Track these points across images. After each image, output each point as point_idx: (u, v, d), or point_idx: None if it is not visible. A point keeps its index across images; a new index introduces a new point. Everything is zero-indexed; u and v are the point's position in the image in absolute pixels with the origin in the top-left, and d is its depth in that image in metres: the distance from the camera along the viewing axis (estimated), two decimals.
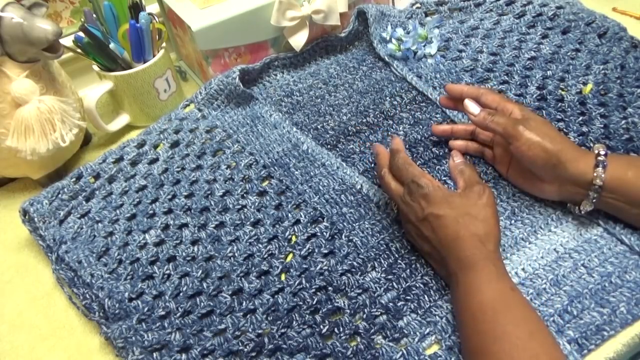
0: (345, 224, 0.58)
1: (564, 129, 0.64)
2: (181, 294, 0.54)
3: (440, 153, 0.65)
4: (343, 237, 0.57)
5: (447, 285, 0.52)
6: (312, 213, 0.60)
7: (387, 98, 0.74)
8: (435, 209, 0.50)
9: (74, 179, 0.65)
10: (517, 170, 0.58)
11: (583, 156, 0.52)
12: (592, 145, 0.62)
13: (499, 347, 0.42)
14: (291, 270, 0.55)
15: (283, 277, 0.55)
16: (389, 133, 0.69)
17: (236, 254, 0.57)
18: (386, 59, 0.79)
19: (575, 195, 0.53)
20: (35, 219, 0.61)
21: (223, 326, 0.51)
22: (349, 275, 0.54)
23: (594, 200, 0.52)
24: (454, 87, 0.61)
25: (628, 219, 0.54)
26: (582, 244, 0.54)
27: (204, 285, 0.55)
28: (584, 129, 0.64)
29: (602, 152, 0.51)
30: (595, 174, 0.50)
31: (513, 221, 0.57)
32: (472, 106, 0.57)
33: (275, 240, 0.58)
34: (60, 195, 0.63)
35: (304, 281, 0.54)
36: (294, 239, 0.58)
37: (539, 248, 0.55)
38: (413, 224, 0.52)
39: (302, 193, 0.62)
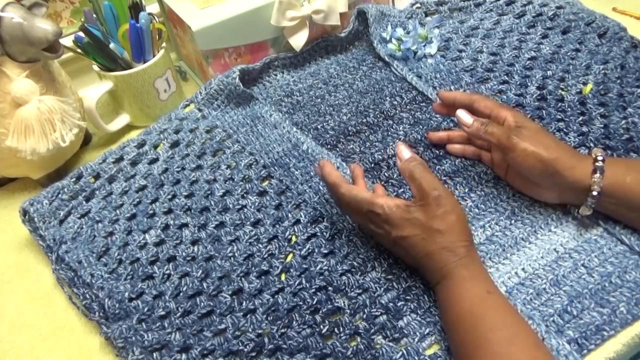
0: (345, 224, 0.58)
1: (564, 129, 0.64)
2: (181, 294, 0.54)
3: (441, 153, 0.65)
4: (343, 237, 0.57)
5: None
6: (312, 213, 0.60)
7: (387, 98, 0.74)
8: (399, 232, 0.49)
9: (74, 179, 0.65)
10: (515, 175, 0.58)
11: (580, 162, 0.51)
12: (592, 145, 0.62)
13: (480, 355, 0.42)
14: (291, 270, 0.55)
15: (283, 277, 0.55)
16: (389, 133, 0.69)
17: (236, 254, 0.57)
18: (386, 59, 0.79)
19: (574, 199, 0.54)
20: (35, 219, 0.61)
21: (223, 326, 0.51)
22: (349, 275, 0.54)
23: (592, 206, 0.52)
24: (447, 94, 0.61)
25: (627, 222, 0.54)
26: (582, 244, 0.54)
27: (204, 285, 0.55)
28: (584, 129, 0.64)
29: (600, 157, 0.51)
30: (593, 181, 0.50)
31: (513, 221, 0.57)
32: (464, 117, 0.56)
33: (275, 240, 0.58)
34: (60, 195, 0.63)
35: (304, 281, 0.54)
36: (294, 239, 0.58)
37: (539, 248, 0.55)
38: (389, 246, 0.53)
39: (302, 193, 0.62)
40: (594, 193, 0.51)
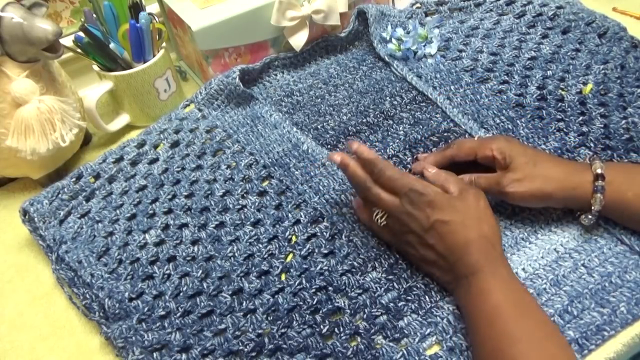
0: (345, 224, 0.58)
1: (564, 129, 0.64)
2: (181, 294, 0.54)
3: None
4: (343, 237, 0.57)
5: (451, 291, 0.51)
6: (312, 213, 0.60)
7: (387, 98, 0.74)
8: (441, 215, 0.49)
9: (74, 179, 0.65)
10: None
11: (581, 179, 0.51)
12: (592, 145, 0.62)
13: (516, 350, 0.42)
14: (291, 270, 0.55)
15: (283, 277, 0.55)
16: (389, 133, 0.69)
17: (236, 254, 0.57)
18: (386, 59, 0.79)
19: (577, 208, 0.55)
20: (35, 219, 0.61)
21: (223, 326, 0.51)
22: (349, 275, 0.54)
23: (593, 220, 0.53)
24: (423, 164, 0.57)
25: (629, 227, 0.54)
26: (582, 244, 0.54)
27: (204, 285, 0.55)
28: (584, 129, 0.64)
29: (600, 172, 0.51)
30: (593, 200, 0.51)
31: (513, 221, 0.57)
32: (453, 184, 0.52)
33: (275, 240, 0.58)
34: (60, 195, 0.63)
35: (304, 281, 0.54)
36: (294, 239, 0.58)
37: (539, 248, 0.55)
38: (416, 234, 0.50)
39: (302, 193, 0.62)
40: (595, 211, 0.51)
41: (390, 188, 0.52)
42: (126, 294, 0.54)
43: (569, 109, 0.67)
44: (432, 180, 0.52)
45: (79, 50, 0.70)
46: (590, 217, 0.52)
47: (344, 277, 0.54)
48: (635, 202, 0.51)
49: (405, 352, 0.48)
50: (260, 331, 0.50)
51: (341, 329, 0.50)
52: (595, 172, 0.51)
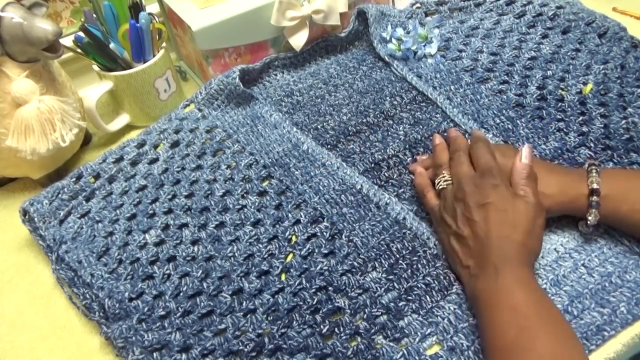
0: (345, 224, 0.58)
1: (564, 129, 0.64)
2: (181, 294, 0.54)
3: None
4: (343, 237, 0.57)
5: (465, 277, 0.51)
6: (312, 213, 0.60)
7: (387, 98, 0.74)
8: (499, 203, 0.50)
9: (74, 179, 0.65)
10: None
11: (577, 194, 0.52)
12: (592, 145, 0.62)
13: (540, 343, 0.42)
14: (291, 270, 0.55)
15: (283, 277, 0.55)
16: (389, 133, 0.69)
17: (236, 254, 0.57)
18: (386, 59, 0.79)
19: (574, 215, 0.55)
20: (35, 219, 0.61)
21: (223, 326, 0.51)
22: (349, 275, 0.54)
23: (590, 230, 0.53)
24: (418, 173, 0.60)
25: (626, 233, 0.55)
26: (582, 244, 0.54)
27: (204, 285, 0.55)
28: (584, 129, 0.64)
29: (596, 188, 0.51)
30: (589, 214, 0.52)
31: None
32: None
33: (275, 240, 0.58)
34: (60, 195, 0.63)
35: (304, 281, 0.54)
36: (294, 239, 0.58)
37: None
38: (467, 205, 0.51)
39: (302, 193, 0.62)
40: (591, 225, 0.52)
41: (475, 160, 0.54)
42: (126, 294, 0.54)
43: (569, 109, 0.67)
44: (520, 172, 0.52)
45: (79, 50, 0.70)
46: (586, 227, 0.53)
47: (344, 277, 0.54)
48: (630, 216, 0.51)
49: (405, 352, 0.48)
50: (260, 331, 0.50)
51: (341, 329, 0.50)
52: (591, 188, 0.52)
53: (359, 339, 0.49)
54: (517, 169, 0.53)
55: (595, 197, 0.51)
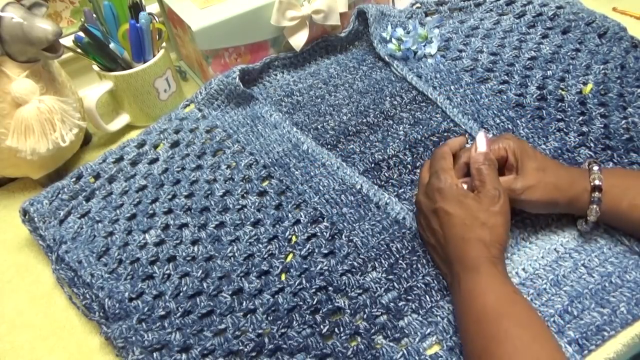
0: (345, 224, 0.58)
1: (564, 129, 0.64)
2: (181, 294, 0.54)
3: None
4: (343, 237, 0.57)
5: (448, 283, 0.51)
6: (312, 213, 0.60)
7: (387, 98, 0.74)
8: (445, 205, 0.50)
9: (74, 179, 0.65)
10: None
11: (581, 190, 0.52)
12: (592, 145, 0.62)
13: (502, 350, 0.42)
14: (291, 270, 0.55)
15: (283, 277, 0.55)
16: (389, 133, 0.69)
17: (236, 254, 0.57)
18: (386, 58, 0.79)
19: (574, 213, 0.55)
20: (35, 219, 0.61)
21: (223, 326, 0.51)
22: (349, 275, 0.54)
23: (588, 228, 0.53)
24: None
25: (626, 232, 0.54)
26: (582, 244, 0.54)
27: (204, 285, 0.55)
28: (584, 129, 0.64)
29: (598, 184, 0.51)
30: (590, 210, 0.52)
31: (513, 221, 0.57)
32: (481, 142, 0.54)
33: (275, 240, 0.58)
34: (60, 195, 0.63)
35: (304, 281, 0.54)
36: (294, 239, 0.58)
37: (540, 248, 0.55)
38: (424, 213, 0.53)
39: (302, 193, 0.62)
40: (590, 222, 0.52)
41: (431, 166, 0.55)
42: (126, 294, 0.54)
43: (569, 109, 0.67)
44: (471, 161, 0.53)
45: (79, 50, 0.70)
46: (585, 225, 0.53)
47: (344, 277, 0.54)
48: (629, 212, 0.51)
49: (405, 352, 0.48)
50: (260, 331, 0.50)
51: (341, 329, 0.50)
52: (593, 184, 0.51)
53: (359, 339, 0.49)
54: (472, 159, 0.53)
55: (597, 193, 0.51)
